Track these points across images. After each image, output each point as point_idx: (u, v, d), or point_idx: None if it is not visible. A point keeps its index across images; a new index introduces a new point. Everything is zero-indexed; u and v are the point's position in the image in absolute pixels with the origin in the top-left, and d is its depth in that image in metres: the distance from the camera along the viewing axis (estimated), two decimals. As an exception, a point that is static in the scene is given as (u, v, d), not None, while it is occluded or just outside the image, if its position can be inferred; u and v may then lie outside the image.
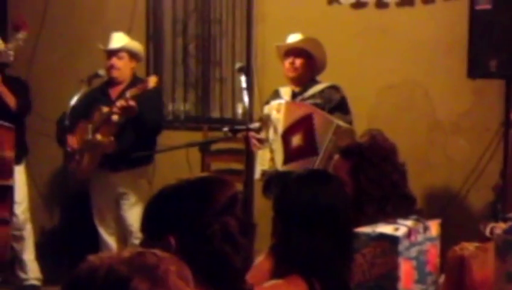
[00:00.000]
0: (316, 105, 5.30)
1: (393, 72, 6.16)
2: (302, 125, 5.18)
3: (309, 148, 5.10)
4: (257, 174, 5.37)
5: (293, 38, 5.52)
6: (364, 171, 3.27)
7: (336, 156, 3.39)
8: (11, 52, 5.85)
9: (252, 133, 5.28)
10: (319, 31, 5.87)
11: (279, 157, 5.19)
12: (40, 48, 7.29)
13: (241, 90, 5.50)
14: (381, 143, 3.37)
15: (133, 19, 7.00)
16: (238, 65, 5.56)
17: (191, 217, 2.14)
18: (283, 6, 6.51)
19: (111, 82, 6.07)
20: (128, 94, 5.68)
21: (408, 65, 6.11)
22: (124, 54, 6.02)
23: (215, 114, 7.01)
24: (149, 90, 5.65)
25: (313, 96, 5.37)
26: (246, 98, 5.22)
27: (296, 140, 5.16)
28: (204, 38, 7.01)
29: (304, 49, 5.45)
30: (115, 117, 5.67)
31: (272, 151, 5.23)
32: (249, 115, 5.51)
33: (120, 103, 5.66)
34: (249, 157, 5.42)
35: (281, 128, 5.20)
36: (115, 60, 6.00)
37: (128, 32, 6.58)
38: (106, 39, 6.08)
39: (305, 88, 5.45)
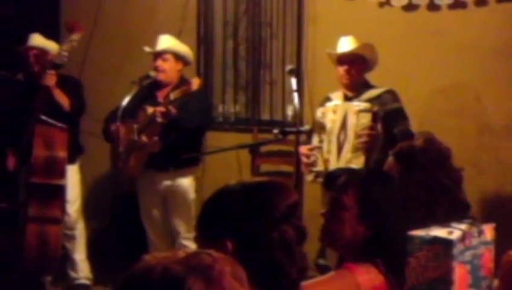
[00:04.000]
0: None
1: (444, 75, 6.11)
2: None
3: None
4: (309, 177, 5.35)
5: (345, 41, 5.48)
6: (413, 175, 3.24)
7: (390, 158, 3.37)
8: (66, 54, 5.92)
9: (301, 151, 5.27)
10: (370, 33, 5.84)
11: (333, 158, 5.18)
12: (92, 50, 7.37)
13: (291, 93, 5.48)
14: (436, 147, 3.33)
15: (184, 21, 7.05)
16: (288, 67, 5.55)
17: (250, 224, 2.12)
18: (334, 8, 6.49)
19: (158, 83, 6.10)
20: (171, 96, 5.69)
21: (459, 68, 6.06)
22: (169, 56, 6.01)
23: (265, 116, 7.02)
24: (193, 93, 5.66)
25: (369, 100, 5.30)
26: (296, 101, 5.21)
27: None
28: (255, 40, 7.03)
29: (358, 54, 5.41)
30: (159, 118, 5.70)
31: (328, 152, 5.21)
32: (299, 117, 5.49)
33: (159, 108, 5.69)
34: (298, 160, 5.41)
35: (337, 130, 5.18)
36: (159, 62, 6.01)
37: (179, 34, 6.61)
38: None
39: (359, 92, 5.41)
